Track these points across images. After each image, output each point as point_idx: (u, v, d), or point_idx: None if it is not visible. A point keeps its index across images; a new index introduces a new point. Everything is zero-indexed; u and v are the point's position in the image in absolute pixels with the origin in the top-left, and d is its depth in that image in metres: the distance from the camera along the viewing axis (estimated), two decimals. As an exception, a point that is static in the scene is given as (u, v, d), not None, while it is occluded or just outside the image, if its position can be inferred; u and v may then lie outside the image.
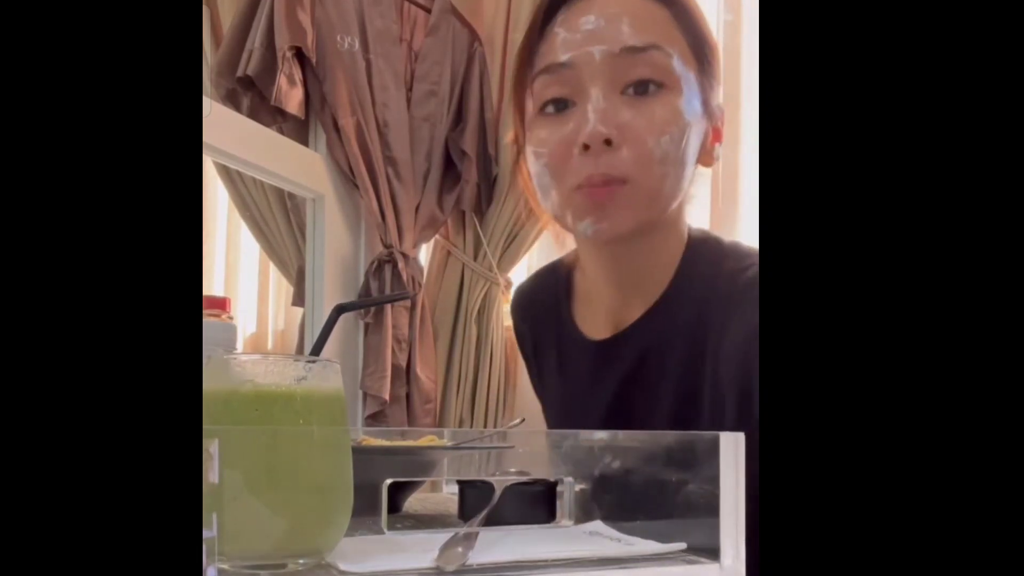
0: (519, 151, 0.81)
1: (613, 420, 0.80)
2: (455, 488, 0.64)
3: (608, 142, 0.71)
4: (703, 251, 0.79)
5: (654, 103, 0.72)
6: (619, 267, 0.79)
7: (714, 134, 0.79)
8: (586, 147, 0.71)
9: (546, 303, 0.90)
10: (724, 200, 1.63)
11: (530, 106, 0.78)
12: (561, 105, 0.75)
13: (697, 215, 0.86)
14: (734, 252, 0.78)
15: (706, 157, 0.78)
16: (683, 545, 0.46)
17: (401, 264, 1.78)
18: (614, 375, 0.80)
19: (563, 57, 0.74)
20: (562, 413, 0.89)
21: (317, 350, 0.49)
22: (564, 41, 0.74)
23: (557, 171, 0.74)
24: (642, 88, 0.73)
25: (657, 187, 0.72)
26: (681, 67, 0.73)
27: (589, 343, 0.83)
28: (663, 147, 0.71)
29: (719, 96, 0.79)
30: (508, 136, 0.84)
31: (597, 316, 0.83)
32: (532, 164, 0.77)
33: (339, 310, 0.51)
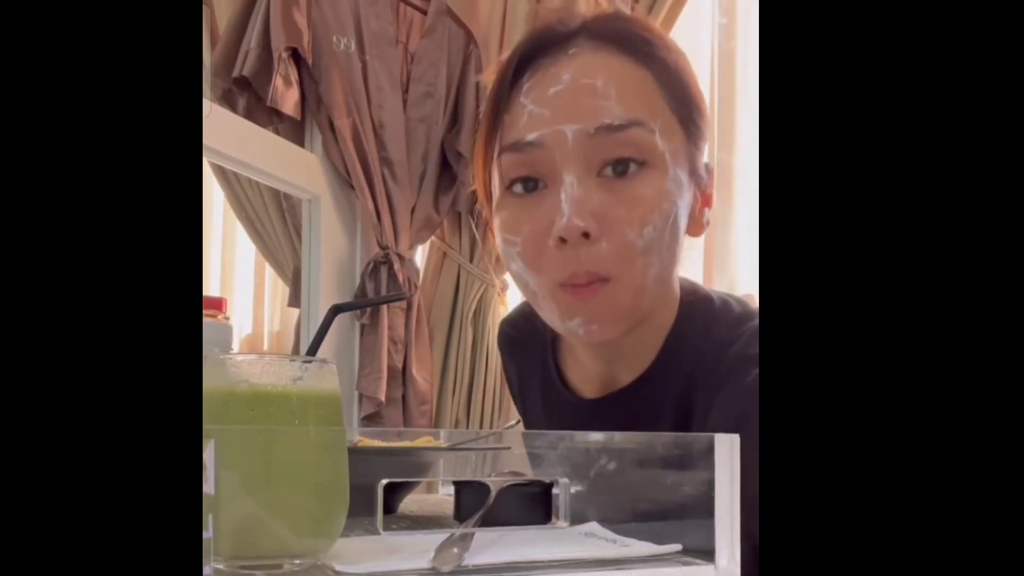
0: (487, 221, 0.75)
1: None
2: (451, 489, 0.64)
3: (586, 235, 0.64)
4: (693, 318, 0.73)
5: (635, 185, 0.65)
6: (606, 350, 0.74)
7: (703, 200, 0.72)
8: (563, 240, 0.64)
9: (532, 348, 0.84)
10: (720, 203, 1.63)
11: (496, 180, 0.70)
12: (531, 185, 0.67)
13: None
14: (724, 318, 0.72)
15: (695, 227, 0.72)
16: (679, 546, 0.46)
17: (397, 265, 1.78)
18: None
19: (530, 136, 0.66)
20: None
21: (313, 350, 0.49)
22: (532, 116, 0.66)
23: (533, 264, 0.68)
24: (621, 168, 0.65)
25: (642, 282, 0.66)
26: (666, 141, 0.66)
27: (576, 400, 0.79)
28: (646, 238, 0.65)
29: (706, 154, 0.72)
30: (474, 183, 0.77)
31: (586, 375, 0.79)
32: (502, 247, 0.71)
33: (335, 311, 0.51)
